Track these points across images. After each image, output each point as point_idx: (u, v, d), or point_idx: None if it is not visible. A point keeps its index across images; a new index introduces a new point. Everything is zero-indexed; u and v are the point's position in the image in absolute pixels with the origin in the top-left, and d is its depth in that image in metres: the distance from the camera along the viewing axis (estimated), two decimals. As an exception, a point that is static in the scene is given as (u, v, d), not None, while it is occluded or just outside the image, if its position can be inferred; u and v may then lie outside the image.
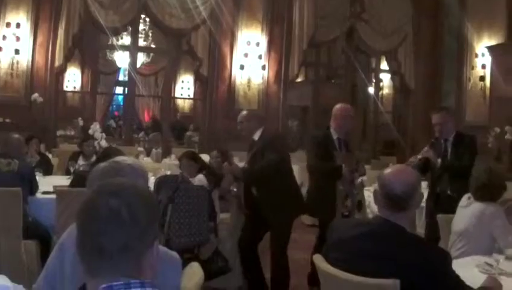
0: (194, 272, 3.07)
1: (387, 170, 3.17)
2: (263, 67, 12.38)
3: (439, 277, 2.89)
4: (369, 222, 3.35)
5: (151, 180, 6.19)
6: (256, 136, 6.05)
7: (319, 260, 3.32)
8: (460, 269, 3.28)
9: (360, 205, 6.86)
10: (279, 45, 12.54)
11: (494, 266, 3.67)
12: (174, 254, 2.80)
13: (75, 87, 17.53)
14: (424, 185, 8.02)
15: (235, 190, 6.51)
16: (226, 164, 6.39)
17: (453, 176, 5.94)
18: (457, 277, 2.97)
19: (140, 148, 13.02)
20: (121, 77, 21.07)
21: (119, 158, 2.95)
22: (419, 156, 6.23)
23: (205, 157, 8.04)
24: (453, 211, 4.96)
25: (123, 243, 1.67)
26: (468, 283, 3.02)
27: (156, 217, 1.80)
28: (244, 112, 6.44)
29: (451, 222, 4.89)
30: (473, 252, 4.22)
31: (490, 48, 11.57)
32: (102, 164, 2.84)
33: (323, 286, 3.40)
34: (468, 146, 6.29)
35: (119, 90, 21.93)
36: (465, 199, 4.86)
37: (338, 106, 6.53)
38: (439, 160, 6.24)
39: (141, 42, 16.42)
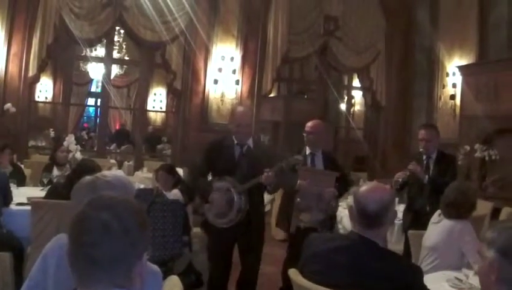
0: (174, 284, 3.13)
1: (362, 188, 3.25)
2: (237, 82, 12.45)
3: None
4: (343, 236, 3.44)
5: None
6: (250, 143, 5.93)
7: (294, 274, 3.40)
8: (431, 283, 3.39)
9: (331, 222, 6.89)
10: (253, 60, 12.62)
11: (464, 280, 3.77)
12: (155, 267, 2.86)
13: (46, 98, 17.42)
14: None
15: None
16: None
17: (433, 193, 6.04)
18: (428, 291, 3.08)
19: (113, 161, 12.98)
20: (93, 88, 21.02)
21: (105, 172, 3.02)
22: (407, 172, 6.37)
23: (179, 171, 8.09)
24: None
25: (114, 255, 1.73)
26: (439, 297, 3.13)
27: (145, 229, 1.86)
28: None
29: (421, 237, 5.01)
30: (443, 267, 4.33)
31: (461, 68, 11.76)
32: (88, 177, 2.89)
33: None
34: (451, 165, 6.46)
35: (91, 101, 21.87)
36: (436, 216, 4.99)
37: (309, 123, 6.62)
38: (426, 176, 6.39)
39: (115, 54, 16.41)
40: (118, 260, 1.74)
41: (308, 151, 6.50)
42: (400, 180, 6.31)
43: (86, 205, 1.85)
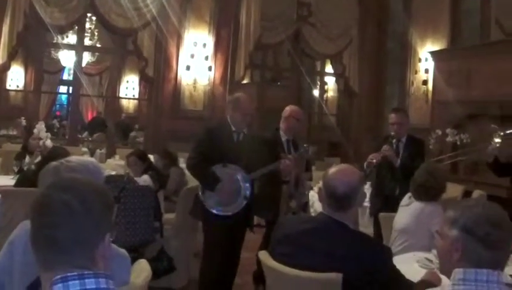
0: (142, 268, 3.11)
1: (331, 170, 3.28)
2: (209, 69, 12.40)
3: (380, 271, 3.03)
4: (313, 218, 3.45)
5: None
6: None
7: (264, 256, 3.40)
8: (401, 264, 3.41)
9: (307, 206, 6.96)
10: (226, 46, 12.58)
11: (434, 261, 3.79)
12: (123, 251, 2.85)
13: (18, 86, 17.22)
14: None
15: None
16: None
17: (404, 177, 6.06)
18: (398, 271, 3.11)
19: (85, 149, 12.89)
20: (65, 76, 20.80)
21: (72, 157, 2.99)
22: (377, 158, 6.38)
23: (151, 158, 8.05)
24: None
25: (76, 236, 1.71)
26: (408, 276, 3.16)
27: (109, 210, 1.84)
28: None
29: (392, 220, 5.04)
30: (413, 248, 4.36)
31: (433, 53, 11.84)
32: (53, 163, 2.87)
33: (268, 282, 3.48)
34: (420, 148, 6.49)
35: (63, 89, 21.65)
36: (406, 198, 5.02)
37: (288, 108, 6.67)
38: (398, 160, 6.42)
39: (87, 41, 16.24)
40: (79, 241, 1.72)
41: (284, 137, 6.51)
42: (374, 161, 6.32)
43: (48, 187, 1.82)
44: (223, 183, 5.45)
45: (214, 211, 5.48)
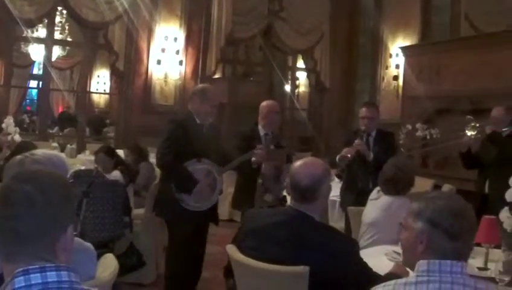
0: (109, 263, 3.09)
1: (296, 163, 3.32)
2: (180, 63, 12.35)
3: (346, 263, 3.05)
4: (280, 211, 3.46)
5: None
6: None
7: (231, 249, 3.41)
8: (369, 257, 3.44)
9: (285, 200, 6.96)
10: (197, 40, 12.54)
11: (402, 254, 3.81)
12: (89, 245, 2.84)
13: (-14, 81, 16.99)
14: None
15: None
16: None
17: (376, 171, 6.08)
18: (365, 264, 3.13)
19: (55, 144, 12.77)
20: (35, 71, 20.57)
21: (37, 150, 2.97)
22: (349, 153, 6.39)
23: (121, 153, 8.01)
24: None
25: (37, 227, 1.70)
26: (377, 269, 3.17)
27: (70, 202, 1.83)
28: None
29: (361, 214, 5.06)
30: (382, 242, 4.38)
31: (404, 49, 11.91)
32: (18, 156, 2.85)
33: (236, 275, 3.49)
34: (390, 142, 6.52)
35: (33, 84, 21.40)
36: (375, 192, 5.05)
37: (265, 102, 6.66)
38: (371, 154, 6.46)
39: (57, 35, 16.07)
40: (40, 233, 1.71)
41: (262, 132, 6.50)
42: (349, 156, 6.34)
43: (10, 179, 1.81)
44: (200, 184, 5.39)
45: (190, 208, 5.38)
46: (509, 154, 6.15)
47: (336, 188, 7.74)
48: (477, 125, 6.30)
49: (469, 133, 6.37)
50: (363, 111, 6.64)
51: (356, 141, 6.46)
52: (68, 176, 6.27)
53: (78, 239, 2.75)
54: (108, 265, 3.07)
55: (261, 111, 6.54)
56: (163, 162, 5.41)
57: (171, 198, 5.36)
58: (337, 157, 6.47)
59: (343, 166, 6.55)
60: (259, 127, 6.51)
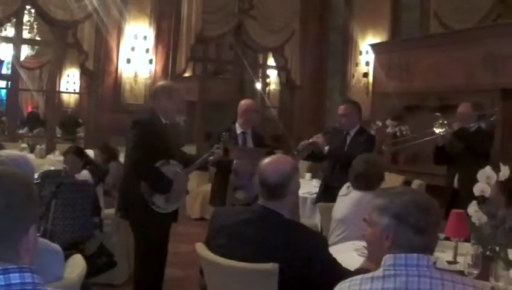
0: (76, 263, 3.07)
1: (265, 160, 3.34)
2: (150, 62, 12.29)
3: (315, 260, 3.06)
4: (248, 209, 3.45)
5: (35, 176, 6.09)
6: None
7: (200, 247, 3.40)
8: (340, 253, 3.45)
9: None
10: (167, 39, 12.49)
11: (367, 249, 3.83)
12: (56, 246, 2.81)
13: (-46, 82, 16.81)
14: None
15: None
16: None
17: (343, 167, 6.09)
18: (334, 260, 3.14)
19: (24, 145, 12.66)
20: (4, 70, 20.33)
21: (1, 151, 2.95)
22: (310, 141, 6.54)
23: (90, 152, 7.95)
24: None
25: None
26: (347, 265, 3.18)
27: (33, 203, 1.80)
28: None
29: (331, 210, 5.07)
30: (352, 237, 4.37)
31: (373, 46, 11.97)
32: (-18, 158, 2.82)
33: (205, 274, 3.48)
34: (366, 141, 6.51)
35: (1, 84, 21.14)
36: (344, 188, 5.06)
37: (243, 101, 6.70)
38: (326, 148, 6.50)
39: (26, 34, 15.90)
40: (2, 234, 1.68)
41: (239, 130, 6.51)
42: (300, 146, 6.55)
43: None
44: (175, 184, 5.33)
45: (160, 210, 5.25)
46: (477, 150, 6.22)
47: (307, 185, 7.84)
48: (445, 122, 6.35)
49: (437, 130, 6.42)
50: (339, 108, 6.72)
51: (317, 135, 6.60)
52: (36, 176, 6.23)
53: (45, 240, 2.74)
54: (76, 266, 3.04)
55: (239, 109, 6.56)
56: (140, 169, 5.23)
57: (140, 200, 5.20)
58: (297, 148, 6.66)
59: (296, 154, 6.67)
60: (236, 125, 6.52)
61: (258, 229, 3.15)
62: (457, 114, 6.59)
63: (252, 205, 3.46)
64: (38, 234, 1.80)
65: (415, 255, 2.20)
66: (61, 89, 18.47)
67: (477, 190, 3.69)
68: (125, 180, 5.50)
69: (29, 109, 20.15)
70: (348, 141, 6.59)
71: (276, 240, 3.10)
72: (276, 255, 3.02)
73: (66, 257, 3.02)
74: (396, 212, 2.28)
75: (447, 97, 9.13)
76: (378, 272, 2.22)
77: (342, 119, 6.62)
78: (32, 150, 11.92)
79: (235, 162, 6.15)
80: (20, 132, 15.75)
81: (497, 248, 3.40)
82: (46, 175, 5.99)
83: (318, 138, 6.54)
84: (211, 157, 5.72)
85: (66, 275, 2.88)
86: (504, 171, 3.70)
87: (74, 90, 19.43)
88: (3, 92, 21.19)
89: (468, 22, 10.32)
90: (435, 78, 9.71)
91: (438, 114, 6.74)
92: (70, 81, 19.60)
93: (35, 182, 5.98)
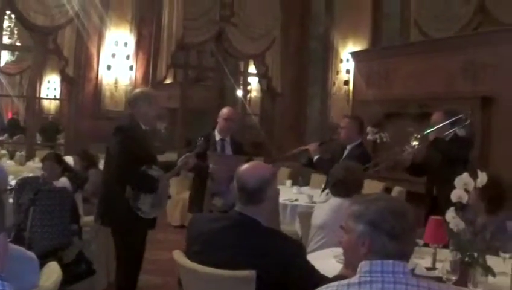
0: (52, 271, 3.04)
1: (244, 166, 3.35)
2: (131, 68, 12.24)
3: (293, 267, 3.05)
4: (225, 216, 3.45)
5: (12, 183, 6.06)
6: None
7: (178, 255, 3.39)
8: (319, 260, 3.45)
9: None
10: (148, 45, 12.44)
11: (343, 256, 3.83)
12: (31, 254, 2.79)
13: None
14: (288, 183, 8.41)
15: None
16: None
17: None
18: (312, 267, 3.14)
19: (4, 151, 12.60)
20: (-16, 76, 20.23)
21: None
22: (305, 147, 6.92)
23: (69, 159, 7.90)
24: None
25: None
26: (326, 272, 3.17)
27: (1, 210, 1.77)
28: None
29: (310, 217, 5.06)
30: (331, 244, 4.35)
31: (353, 54, 12.03)
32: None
33: (183, 281, 3.47)
34: (359, 156, 6.48)
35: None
36: (323, 195, 5.08)
37: (224, 109, 6.80)
38: (316, 157, 6.72)
39: (6, 40, 15.79)
40: None
41: (218, 137, 6.56)
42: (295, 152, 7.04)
43: None
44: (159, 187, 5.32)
45: (144, 215, 5.23)
46: (453, 158, 6.21)
47: (287, 192, 7.85)
48: (418, 136, 6.35)
49: (413, 143, 6.40)
50: (341, 121, 7.05)
51: (312, 144, 6.92)
52: (13, 183, 6.19)
53: (20, 248, 2.72)
54: (51, 273, 3.01)
55: (219, 116, 6.63)
56: (125, 173, 5.18)
57: (123, 207, 5.18)
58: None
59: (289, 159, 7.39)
60: (216, 132, 6.56)
61: (234, 236, 3.15)
62: (431, 122, 6.55)
63: (229, 212, 3.46)
64: (9, 240, 1.77)
65: (390, 261, 2.19)
66: (42, 95, 18.37)
67: (454, 196, 3.70)
68: (106, 187, 5.46)
69: (10, 115, 20.03)
70: (344, 155, 6.64)
71: (253, 247, 3.10)
72: (253, 262, 3.02)
73: (44, 265, 2.99)
74: (371, 219, 2.28)
75: (426, 104, 9.16)
76: (354, 279, 2.22)
77: (341, 132, 6.73)
78: (12, 157, 11.87)
79: (211, 166, 6.19)
80: (0, 138, 15.66)
81: (476, 254, 3.41)
82: (24, 182, 5.96)
83: (311, 146, 6.82)
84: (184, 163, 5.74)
85: (41, 283, 2.85)
86: (482, 177, 3.71)
87: (55, 96, 19.32)
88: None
89: (448, 31, 10.39)
90: (414, 86, 9.77)
91: (411, 129, 6.73)
92: (51, 87, 19.50)
93: (11, 188, 5.95)
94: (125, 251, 5.39)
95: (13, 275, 1.74)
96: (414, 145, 6.23)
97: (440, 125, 6.23)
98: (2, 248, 1.74)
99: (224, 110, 6.72)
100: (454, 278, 3.31)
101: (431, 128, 6.24)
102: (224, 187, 6.20)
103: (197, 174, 6.49)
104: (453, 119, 6.26)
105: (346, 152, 6.66)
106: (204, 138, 6.33)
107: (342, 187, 4.81)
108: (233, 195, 6.12)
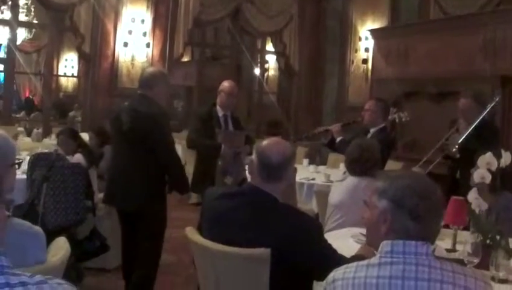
0: (60, 246, 2.97)
1: (265, 142, 3.28)
2: (147, 45, 12.16)
3: (310, 246, 2.99)
4: (242, 191, 3.35)
5: (27, 159, 6.04)
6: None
7: (191, 232, 3.33)
8: (336, 240, 3.39)
9: (244, 182, 6.90)
10: (165, 23, 12.35)
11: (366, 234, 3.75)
12: (37, 229, 2.73)
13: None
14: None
15: None
16: None
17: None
18: (330, 246, 3.06)
19: (21, 128, 12.67)
20: (1, 54, 20.22)
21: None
22: (328, 128, 7.00)
23: (86, 136, 7.87)
24: None
25: None
26: (343, 252, 3.10)
27: None
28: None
29: (327, 195, 4.98)
30: (349, 223, 4.31)
31: (372, 32, 11.84)
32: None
33: (196, 258, 3.41)
34: (381, 140, 6.30)
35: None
36: (341, 174, 4.98)
37: (225, 83, 6.57)
38: (339, 138, 6.62)
39: (23, 17, 15.76)
40: None
41: (221, 112, 6.44)
42: (316, 132, 7.08)
43: None
44: None
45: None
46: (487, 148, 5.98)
47: (304, 171, 7.78)
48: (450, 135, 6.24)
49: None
50: (366, 103, 6.92)
51: (335, 124, 6.94)
52: (27, 158, 6.14)
53: (25, 222, 2.66)
54: (59, 249, 2.95)
55: (219, 90, 6.49)
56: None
57: (162, 192, 5.17)
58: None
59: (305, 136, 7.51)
60: (218, 107, 6.44)
61: (252, 214, 3.08)
62: (459, 111, 6.28)
63: (243, 187, 3.40)
64: (8, 214, 1.69)
65: (413, 242, 2.11)
66: (60, 73, 18.39)
67: (477, 176, 3.60)
68: (132, 172, 5.10)
69: (27, 93, 20.07)
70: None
71: (270, 225, 3.03)
72: (269, 239, 2.96)
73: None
74: (394, 196, 2.19)
75: (442, 84, 9.02)
76: (375, 259, 2.14)
77: (364, 114, 6.66)
78: (29, 134, 11.94)
79: (222, 146, 6.13)
80: (17, 116, 15.70)
81: (498, 237, 3.31)
82: (37, 158, 5.91)
83: (335, 127, 6.78)
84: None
85: (48, 258, 2.79)
86: (506, 157, 3.60)
87: (72, 74, 19.32)
88: (2, 75, 21.12)
89: (469, 8, 10.18)
90: (431, 65, 9.58)
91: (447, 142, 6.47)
92: (68, 65, 19.50)
93: (19, 162, 5.89)
94: (158, 227, 5.22)
95: (15, 249, 1.66)
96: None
97: (468, 131, 5.96)
98: (1, 222, 1.66)
99: (226, 84, 6.50)
100: (476, 260, 3.22)
101: (461, 137, 5.97)
102: (232, 164, 6.15)
103: (207, 153, 6.38)
104: (485, 108, 6.03)
105: (369, 135, 6.53)
106: (207, 114, 6.30)
107: (357, 165, 4.73)
108: (239, 172, 6.11)
